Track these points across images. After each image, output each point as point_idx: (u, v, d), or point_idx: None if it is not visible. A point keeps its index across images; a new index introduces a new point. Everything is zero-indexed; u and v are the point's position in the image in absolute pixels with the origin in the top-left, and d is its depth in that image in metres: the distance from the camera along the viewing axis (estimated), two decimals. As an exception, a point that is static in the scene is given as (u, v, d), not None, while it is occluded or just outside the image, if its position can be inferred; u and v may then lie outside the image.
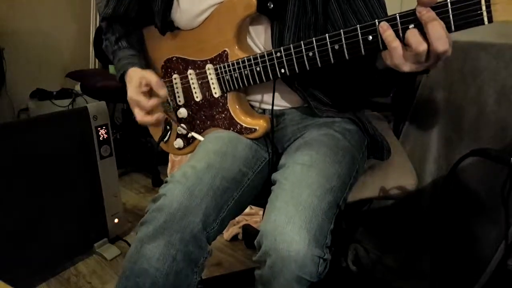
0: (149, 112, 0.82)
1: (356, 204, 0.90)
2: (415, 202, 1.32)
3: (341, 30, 0.67)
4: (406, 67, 0.61)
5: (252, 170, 0.83)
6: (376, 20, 0.63)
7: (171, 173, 0.79)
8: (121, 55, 0.93)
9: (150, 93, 0.83)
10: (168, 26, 0.90)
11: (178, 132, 0.97)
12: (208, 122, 0.92)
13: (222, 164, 0.78)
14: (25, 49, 2.63)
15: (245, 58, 0.80)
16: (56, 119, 1.44)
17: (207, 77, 0.87)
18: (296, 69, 0.74)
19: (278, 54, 0.75)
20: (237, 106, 0.87)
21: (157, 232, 0.69)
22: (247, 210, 1.65)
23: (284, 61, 0.75)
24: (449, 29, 0.58)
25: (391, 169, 0.95)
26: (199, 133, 0.94)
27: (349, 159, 0.80)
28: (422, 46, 0.58)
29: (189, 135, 0.95)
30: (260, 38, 0.84)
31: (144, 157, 2.43)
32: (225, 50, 0.83)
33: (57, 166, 1.40)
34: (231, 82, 0.84)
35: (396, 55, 0.61)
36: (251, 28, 0.84)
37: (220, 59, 0.84)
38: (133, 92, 0.83)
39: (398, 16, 0.61)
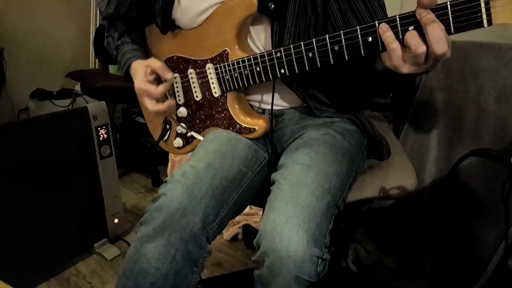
0: (159, 100, 0.83)
1: (356, 204, 0.90)
2: (415, 202, 1.32)
3: (341, 31, 0.67)
4: (405, 68, 0.62)
5: (251, 170, 0.83)
6: (376, 22, 0.63)
7: (171, 173, 0.79)
8: (124, 49, 0.94)
9: (157, 81, 0.83)
10: (169, 25, 0.90)
11: (178, 131, 0.97)
12: (208, 122, 0.92)
13: (222, 164, 0.78)
14: (25, 49, 2.62)
15: (245, 58, 0.80)
16: (56, 119, 1.44)
17: (207, 76, 0.87)
18: (296, 69, 0.74)
19: (278, 55, 0.75)
20: (236, 106, 0.87)
21: (157, 231, 0.69)
22: (247, 210, 1.66)
23: (284, 61, 0.75)
24: (448, 32, 0.58)
25: (391, 169, 0.95)
26: (199, 133, 0.94)
27: (348, 159, 0.80)
28: (421, 48, 0.58)
29: (189, 134, 0.95)
30: (260, 38, 0.85)
31: (144, 157, 2.43)
32: (225, 50, 0.83)
33: (57, 166, 1.40)
34: (231, 82, 0.84)
35: (395, 57, 0.61)
36: (251, 28, 0.84)
37: (220, 58, 0.84)
38: (140, 83, 0.83)
39: (398, 18, 0.61)
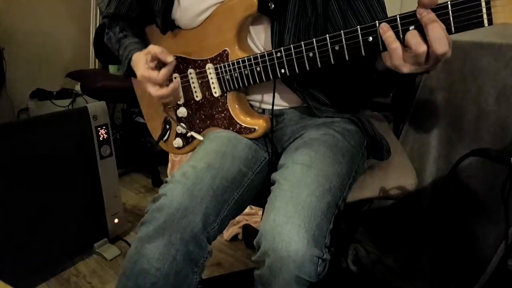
0: (162, 85, 0.84)
1: (356, 204, 0.90)
2: (415, 202, 1.32)
3: (342, 31, 0.67)
4: (406, 68, 0.62)
5: (252, 170, 0.83)
6: (377, 21, 0.63)
7: (171, 173, 0.79)
8: (126, 43, 0.93)
9: (158, 68, 0.83)
10: (169, 26, 0.90)
11: (178, 131, 0.97)
12: (208, 122, 0.92)
13: (222, 164, 0.78)
14: (25, 49, 2.62)
15: (246, 58, 0.80)
16: (56, 119, 1.44)
17: (207, 76, 0.87)
18: (296, 69, 0.74)
19: (279, 54, 0.75)
20: (236, 106, 0.87)
21: (157, 232, 0.69)
22: (247, 210, 1.65)
23: (284, 61, 0.75)
24: (449, 31, 0.58)
25: (391, 169, 0.95)
26: (199, 133, 0.94)
27: (348, 159, 0.80)
28: (422, 48, 0.58)
29: (189, 134, 0.95)
30: (260, 38, 0.85)
31: (144, 157, 2.43)
32: (225, 50, 0.83)
33: (57, 166, 1.40)
34: (231, 82, 0.84)
35: (396, 56, 0.61)
36: (251, 28, 0.84)
37: (220, 58, 0.84)
38: (142, 70, 0.83)
39: (398, 18, 0.61)
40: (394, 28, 0.62)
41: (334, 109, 0.87)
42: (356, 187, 0.85)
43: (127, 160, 2.34)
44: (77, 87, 2.54)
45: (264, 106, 0.91)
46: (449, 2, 0.58)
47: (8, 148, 1.27)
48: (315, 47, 0.70)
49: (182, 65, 0.91)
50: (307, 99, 0.84)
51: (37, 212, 1.35)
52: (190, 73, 0.90)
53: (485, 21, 0.56)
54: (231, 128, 0.88)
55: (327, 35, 0.69)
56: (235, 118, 0.87)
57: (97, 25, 2.77)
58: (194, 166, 0.77)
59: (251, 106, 0.91)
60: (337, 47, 0.68)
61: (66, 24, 2.84)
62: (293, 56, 0.73)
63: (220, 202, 0.75)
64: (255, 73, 0.80)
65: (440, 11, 0.58)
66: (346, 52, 0.68)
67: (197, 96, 0.91)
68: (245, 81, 0.82)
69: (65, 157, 1.42)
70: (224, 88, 0.86)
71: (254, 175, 0.83)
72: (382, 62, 0.66)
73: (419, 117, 1.35)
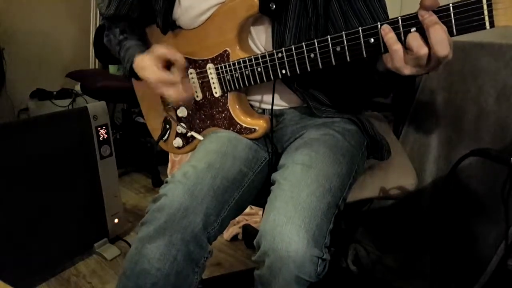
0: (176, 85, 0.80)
1: (356, 204, 0.90)
2: (415, 202, 1.32)
3: (343, 32, 0.67)
4: (407, 70, 0.62)
5: (252, 170, 0.83)
6: (378, 23, 0.63)
7: (172, 173, 0.79)
8: (128, 44, 0.91)
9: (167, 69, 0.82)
10: (170, 26, 0.90)
11: (178, 131, 0.97)
12: (208, 122, 0.92)
13: (223, 164, 0.78)
14: (25, 49, 2.62)
15: (247, 58, 0.80)
16: (56, 119, 1.44)
17: (208, 76, 0.87)
18: (297, 70, 0.74)
19: (280, 55, 0.75)
20: (237, 106, 0.87)
21: (158, 232, 0.69)
22: (247, 210, 1.65)
23: (286, 62, 0.75)
24: (451, 33, 0.58)
25: (391, 169, 0.95)
26: (199, 133, 0.94)
27: (348, 159, 0.80)
28: (423, 50, 0.58)
29: (189, 134, 0.95)
30: (260, 39, 0.85)
31: (144, 157, 2.43)
32: (226, 50, 0.83)
33: (57, 166, 1.40)
34: (231, 82, 0.84)
35: (397, 58, 0.61)
36: (252, 28, 0.84)
37: (221, 58, 0.84)
38: (155, 74, 0.80)
39: (400, 19, 0.61)
40: (395, 29, 0.62)
41: (334, 109, 0.87)
42: (356, 187, 0.85)
43: (127, 160, 2.34)
44: (77, 87, 2.55)
45: (264, 106, 0.91)
46: (451, 4, 0.57)
47: (8, 148, 1.27)
48: (317, 48, 0.70)
49: (182, 65, 0.91)
50: (307, 99, 0.84)
51: (37, 212, 1.35)
52: (191, 73, 0.90)
53: (487, 24, 0.56)
54: (232, 128, 0.88)
55: (329, 36, 0.69)
56: (236, 118, 0.87)
57: (97, 25, 2.77)
58: (195, 166, 0.77)
59: (251, 106, 0.91)
60: (338, 48, 0.68)
61: (66, 24, 2.84)
62: (294, 56, 0.73)
63: (220, 202, 0.75)
64: (256, 74, 0.80)
65: (441, 13, 0.58)
66: (347, 53, 0.68)
67: (197, 96, 0.91)
68: (246, 81, 0.82)
69: (65, 157, 1.42)
70: (225, 88, 0.86)
71: (255, 175, 0.84)
72: (383, 63, 0.66)
73: (419, 117, 1.35)
